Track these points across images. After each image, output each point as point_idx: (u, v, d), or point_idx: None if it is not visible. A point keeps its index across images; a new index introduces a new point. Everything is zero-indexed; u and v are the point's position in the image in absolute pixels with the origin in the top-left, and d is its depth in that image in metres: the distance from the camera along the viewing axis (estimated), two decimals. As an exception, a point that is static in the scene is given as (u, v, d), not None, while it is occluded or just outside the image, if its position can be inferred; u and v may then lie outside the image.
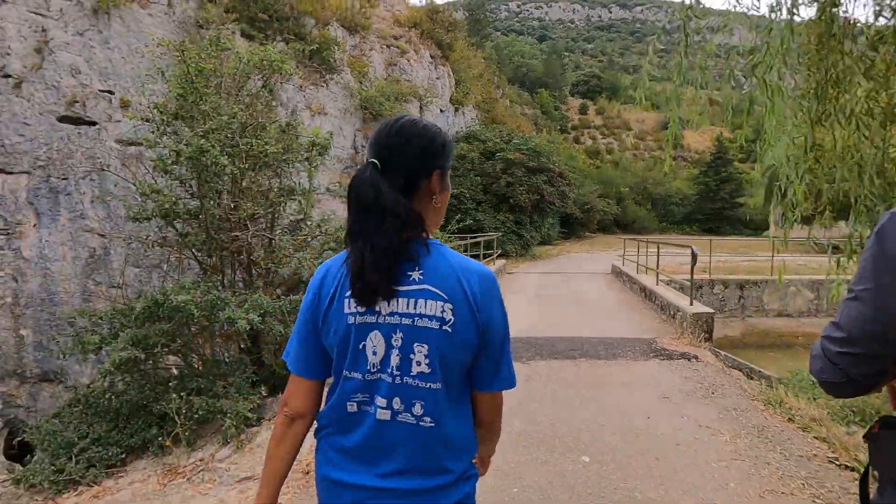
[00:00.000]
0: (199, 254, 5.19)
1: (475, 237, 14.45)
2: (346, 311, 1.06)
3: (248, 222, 5.01)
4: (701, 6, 3.69)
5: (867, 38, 3.15)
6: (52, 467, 3.69)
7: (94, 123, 11.04)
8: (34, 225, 10.69)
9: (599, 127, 65.37)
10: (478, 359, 1.09)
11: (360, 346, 1.06)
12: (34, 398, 10.75)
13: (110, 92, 11.25)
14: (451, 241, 11.24)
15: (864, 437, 0.95)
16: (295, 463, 3.29)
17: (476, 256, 12.89)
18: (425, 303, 1.03)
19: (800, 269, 12.87)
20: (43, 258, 10.69)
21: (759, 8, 5.49)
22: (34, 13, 10.70)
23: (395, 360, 1.04)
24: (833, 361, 0.88)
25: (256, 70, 5.42)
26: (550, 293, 10.49)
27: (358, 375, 1.06)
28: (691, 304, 6.72)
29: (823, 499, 2.74)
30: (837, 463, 3.14)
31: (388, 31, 17.78)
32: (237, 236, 4.94)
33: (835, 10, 3.13)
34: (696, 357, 5.41)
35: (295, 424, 1.14)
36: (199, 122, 4.71)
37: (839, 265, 3.31)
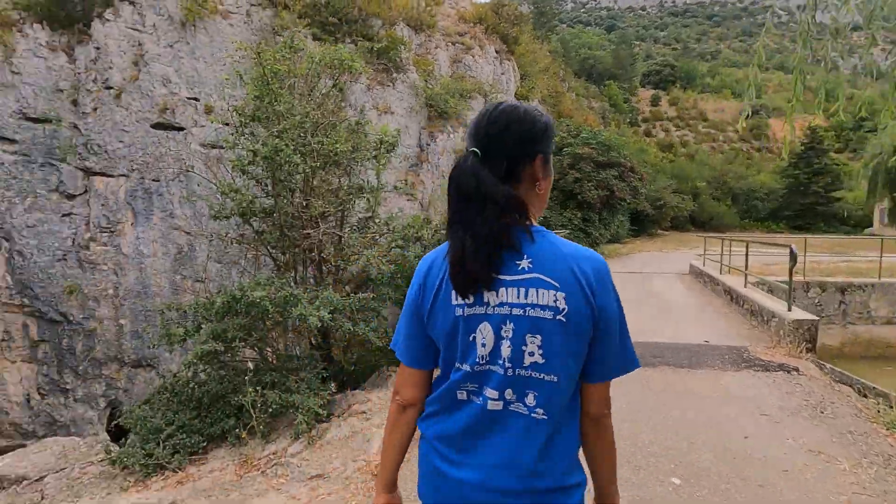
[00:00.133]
0: (274, 251, 5.36)
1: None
2: (454, 302, 1.04)
3: (318, 220, 5.10)
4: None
5: None
6: (143, 451, 3.92)
7: (181, 129, 11.88)
8: (131, 223, 11.68)
9: (673, 118, 61.77)
10: (592, 349, 1.04)
11: (470, 338, 1.04)
12: (131, 381, 11.77)
13: (196, 99, 12.04)
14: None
15: None
16: (363, 463, 3.24)
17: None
18: (537, 292, 1.00)
19: (915, 271, 11.36)
20: (138, 254, 11.66)
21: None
22: (131, 29, 11.65)
23: (505, 351, 1.01)
24: None
25: (327, 70, 5.50)
26: (625, 295, 9.73)
27: (467, 367, 1.05)
28: (789, 309, 6.04)
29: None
30: None
31: (452, 28, 17.73)
32: (308, 234, 5.03)
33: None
34: (796, 369, 4.84)
35: (406, 412, 1.17)
36: (273, 123, 4.84)
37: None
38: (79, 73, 11.26)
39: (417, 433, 1.18)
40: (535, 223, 1.08)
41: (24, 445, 9.84)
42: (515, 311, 1.01)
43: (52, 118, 10.93)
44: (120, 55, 11.47)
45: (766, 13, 3.19)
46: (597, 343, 1.04)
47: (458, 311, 1.04)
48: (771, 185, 40.31)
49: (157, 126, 11.69)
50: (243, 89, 5.36)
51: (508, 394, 1.02)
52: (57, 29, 11.12)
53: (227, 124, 5.37)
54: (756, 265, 10.21)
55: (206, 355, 4.22)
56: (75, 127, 11.19)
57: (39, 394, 11.35)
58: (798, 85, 2.95)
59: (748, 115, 2.84)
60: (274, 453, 3.66)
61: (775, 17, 3.30)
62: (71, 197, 11.26)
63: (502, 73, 18.63)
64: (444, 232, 4.98)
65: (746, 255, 8.87)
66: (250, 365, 4.73)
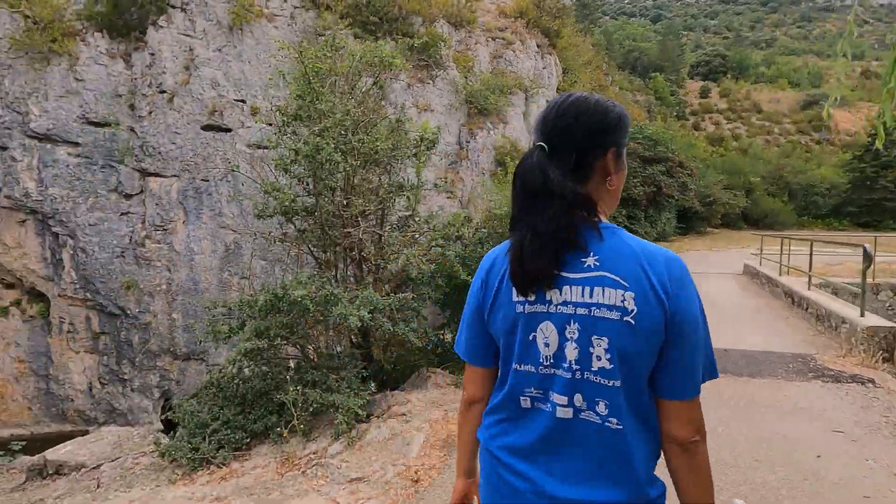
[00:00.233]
0: (315, 249, 5.39)
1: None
2: (515, 299, 1.01)
3: (359, 219, 5.08)
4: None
5: None
6: (189, 445, 4.01)
7: (229, 130, 12.26)
8: (183, 222, 12.17)
9: (724, 111, 58.89)
10: (667, 357, 0.95)
11: (530, 338, 1.00)
12: (183, 373, 12.29)
13: (243, 101, 12.40)
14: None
15: None
16: (403, 468, 3.16)
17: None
18: (603, 291, 0.95)
19: None
20: (189, 251, 12.14)
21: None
22: (183, 35, 12.11)
23: (571, 353, 0.96)
24: None
25: (368, 67, 5.47)
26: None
27: (530, 368, 1.00)
28: (862, 314, 5.53)
29: None
30: None
31: (493, 23, 17.50)
32: (349, 233, 5.02)
33: None
34: (872, 381, 4.42)
35: (472, 409, 1.17)
36: (315, 122, 4.85)
37: None
38: (135, 79, 11.81)
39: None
40: (605, 220, 1.02)
41: (87, 431, 10.45)
42: (580, 311, 0.95)
43: (111, 122, 11.52)
44: (172, 60, 11.96)
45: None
46: (672, 350, 0.94)
47: (519, 308, 1.00)
48: (833, 179, 37.67)
49: (206, 128, 12.12)
50: (287, 90, 5.42)
51: (578, 400, 0.96)
52: (115, 37, 11.70)
53: (270, 124, 5.44)
54: (817, 265, 9.52)
55: (249, 352, 4.27)
56: (132, 130, 11.76)
57: (100, 383, 12.03)
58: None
59: (834, 103, 2.56)
60: (314, 452, 3.65)
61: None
62: (128, 197, 11.84)
63: (544, 68, 18.24)
64: (484, 230, 4.85)
65: (811, 254, 8.27)
66: (291, 364, 4.77)
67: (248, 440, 4.16)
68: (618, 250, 0.96)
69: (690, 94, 62.34)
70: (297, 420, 3.88)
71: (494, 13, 18.34)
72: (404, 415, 3.89)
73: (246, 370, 4.80)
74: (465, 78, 14.78)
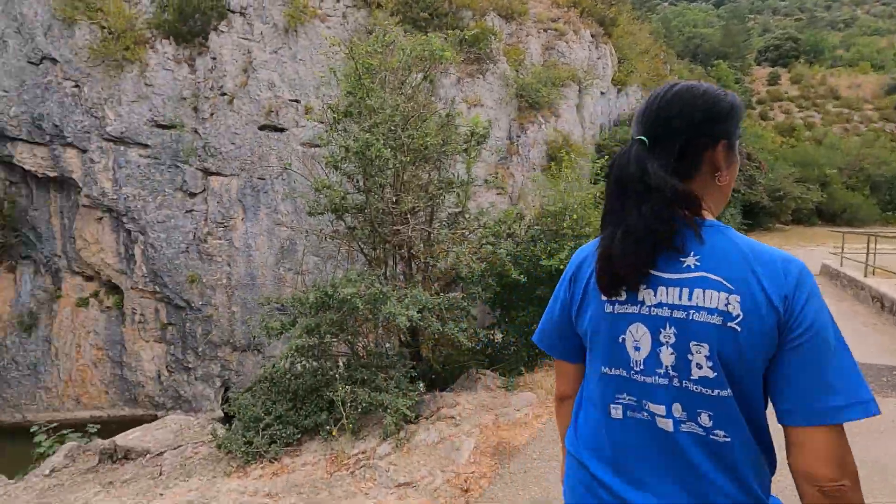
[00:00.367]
0: (365, 246, 5.39)
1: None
2: (604, 298, 0.97)
3: (408, 216, 5.02)
4: None
5: None
6: (243, 438, 4.10)
7: (284, 129, 12.64)
8: (241, 219, 12.68)
9: (795, 98, 54.72)
10: (786, 373, 0.83)
11: (619, 340, 0.95)
12: (242, 364, 12.83)
13: (297, 101, 12.73)
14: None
15: None
16: (452, 475, 3.05)
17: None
18: (703, 293, 0.87)
19: None
20: (247, 247, 12.64)
21: None
22: (242, 38, 12.57)
23: (667, 359, 0.90)
24: None
25: (418, 62, 5.40)
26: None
27: (620, 372, 0.95)
28: (970, 323, 4.90)
29: None
30: None
31: (545, 13, 17.04)
32: (398, 230, 4.97)
33: None
34: (985, 399, 3.87)
35: (564, 404, 1.17)
36: (365, 118, 4.83)
37: None
38: (198, 82, 12.39)
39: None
40: (711, 218, 0.95)
41: (155, 416, 11.13)
42: (677, 314, 0.89)
43: (176, 124, 12.16)
44: (232, 63, 12.45)
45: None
46: (791, 364, 0.83)
47: (608, 308, 0.96)
48: (924, 170, 34.19)
49: (262, 128, 12.55)
50: (339, 88, 5.46)
51: (677, 410, 0.89)
52: (181, 43, 12.31)
53: (322, 122, 5.48)
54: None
55: (300, 349, 4.32)
56: (195, 131, 12.36)
57: (168, 371, 12.78)
58: None
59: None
60: (363, 452, 3.62)
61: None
62: (192, 195, 12.47)
63: (598, 58, 17.59)
64: (537, 227, 4.65)
65: (903, 254, 7.45)
66: (340, 363, 4.79)
67: (299, 436, 4.20)
68: (723, 250, 0.89)
69: (757, 81, 58.39)
70: (347, 419, 3.87)
71: (547, 3, 17.86)
72: (453, 418, 3.79)
73: (298, 366, 4.87)
74: (516, 71, 14.48)
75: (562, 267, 4.84)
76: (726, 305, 0.85)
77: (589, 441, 1.01)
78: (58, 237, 12.55)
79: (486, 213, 5.60)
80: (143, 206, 12.14)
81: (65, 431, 6.03)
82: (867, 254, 9.06)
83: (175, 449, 4.93)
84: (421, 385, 4.40)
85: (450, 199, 5.64)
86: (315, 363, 4.78)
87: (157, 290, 12.44)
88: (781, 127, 47.78)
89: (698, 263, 0.89)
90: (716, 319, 0.85)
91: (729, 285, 0.86)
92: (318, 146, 11.04)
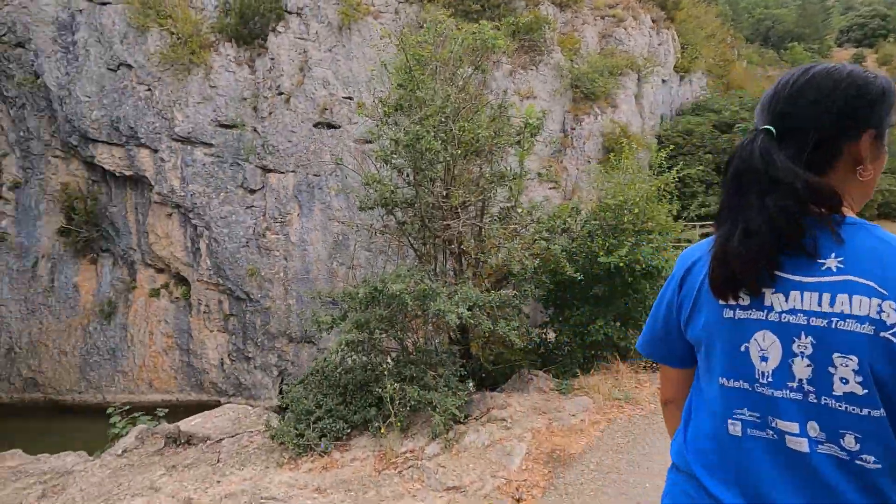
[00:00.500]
0: (415, 242, 5.33)
1: (703, 224, 12.33)
2: (722, 303, 0.89)
3: (458, 210, 4.90)
4: None
5: None
6: (295, 430, 4.15)
7: (338, 126, 12.87)
8: (297, 214, 13.06)
9: (884, 81, 49.91)
10: None
11: (742, 348, 0.87)
12: (297, 355, 13.26)
13: (350, 98, 12.93)
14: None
15: None
16: (503, 481, 2.90)
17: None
18: (849, 299, 0.78)
19: None
20: (303, 242, 13.01)
21: None
22: (298, 38, 12.89)
23: (801, 371, 0.81)
24: None
25: (470, 52, 5.25)
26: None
27: (743, 385, 0.87)
28: None
29: None
30: None
31: (602, 0, 16.37)
32: (448, 225, 4.87)
33: None
34: None
35: (668, 407, 1.14)
36: (416, 111, 4.74)
37: None
38: (258, 83, 12.86)
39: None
40: (851, 215, 0.86)
41: (219, 402, 11.71)
42: (815, 322, 0.80)
43: (237, 124, 12.68)
44: (289, 63, 12.81)
45: None
46: None
47: (727, 314, 0.88)
48: None
49: (317, 125, 12.85)
50: (390, 82, 5.42)
51: (813, 430, 0.80)
52: (241, 45, 12.80)
53: (373, 118, 5.47)
54: None
55: (350, 343, 4.31)
56: (255, 130, 12.84)
57: (230, 359, 13.44)
58: None
59: None
60: (411, 451, 3.56)
61: None
62: (252, 192, 12.99)
63: (659, 44, 16.70)
64: (594, 223, 4.38)
65: None
66: (389, 360, 4.75)
67: (349, 430, 4.20)
68: (872, 250, 0.80)
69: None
70: (395, 416, 3.81)
71: (604, -11, 17.15)
72: (504, 420, 3.65)
73: (348, 360, 4.88)
74: (571, 61, 13.99)
75: (621, 264, 4.56)
76: (879, 313, 0.76)
77: (701, 456, 0.93)
78: (133, 232, 13.45)
79: (539, 207, 5.39)
80: (208, 202, 12.76)
81: (137, 414, 6.40)
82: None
83: (233, 437, 5.10)
84: (470, 384, 4.28)
85: (501, 193, 5.46)
86: (364, 358, 4.78)
87: (220, 282, 13.06)
88: (866, 113, 43.77)
89: (841, 266, 0.80)
90: (866, 329, 0.76)
91: (882, 290, 0.76)
92: (369, 142, 11.16)
